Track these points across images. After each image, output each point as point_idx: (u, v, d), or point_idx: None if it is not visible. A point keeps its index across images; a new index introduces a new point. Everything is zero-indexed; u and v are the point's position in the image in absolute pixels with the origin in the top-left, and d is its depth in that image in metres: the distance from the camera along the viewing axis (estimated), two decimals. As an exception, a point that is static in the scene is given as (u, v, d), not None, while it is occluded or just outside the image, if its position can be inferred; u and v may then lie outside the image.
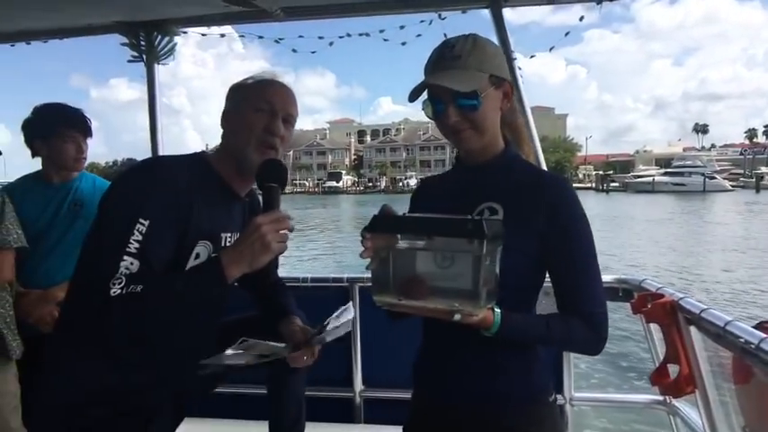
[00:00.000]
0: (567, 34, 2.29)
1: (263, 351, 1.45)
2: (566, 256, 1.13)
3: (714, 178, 60.64)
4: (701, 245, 17.88)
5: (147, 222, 1.21)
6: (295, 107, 1.45)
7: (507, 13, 2.12)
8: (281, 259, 1.58)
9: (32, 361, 1.83)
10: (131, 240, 1.19)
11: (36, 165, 2.18)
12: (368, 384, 2.43)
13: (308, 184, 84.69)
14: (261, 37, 2.35)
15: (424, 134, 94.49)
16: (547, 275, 1.19)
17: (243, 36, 2.36)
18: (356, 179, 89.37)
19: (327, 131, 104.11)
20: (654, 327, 2.00)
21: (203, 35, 2.38)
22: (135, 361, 1.32)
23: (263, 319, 1.63)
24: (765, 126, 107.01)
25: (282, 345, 1.49)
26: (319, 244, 20.41)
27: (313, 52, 2.38)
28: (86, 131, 2.16)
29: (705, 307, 1.58)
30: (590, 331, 1.12)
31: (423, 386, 1.28)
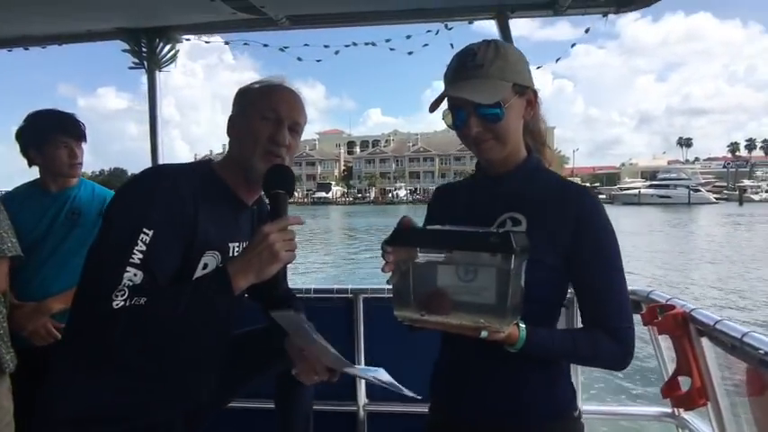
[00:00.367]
0: (573, 46, 2.29)
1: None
2: (592, 270, 1.10)
3: (698, 191, 61.66)
4: (693, 254, 18.08)
5: (151, 232, 1.17)
6: (302, 114, 1.41)
7: (494, 28, 2.12)
8: None
9: (27, 374, 1.77)
10: (135, 251, 1.16)
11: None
12: (372, 398, 2.38)
13: (297, 194, 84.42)
14: (266, 45, 2.33)
15: (413, 145, 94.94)
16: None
17: (247, 44, 2.34)
18: (345, 190, 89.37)
19: (317, 142, 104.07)
20: (662, 338, 1.98)
21: (206, 42, 2.35)
22: (141, 376, 1.28)
23: (274, 332, 1.59)
24: (747, 140, 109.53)
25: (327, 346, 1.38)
26: (314, 256, 20.26)
27: (318, 61, 2.36)
28: (79, 136, 2.11)
29: (719, 318, 1.57)
30: (617, 347, 1.09)
31: (441, 400, 1.25)
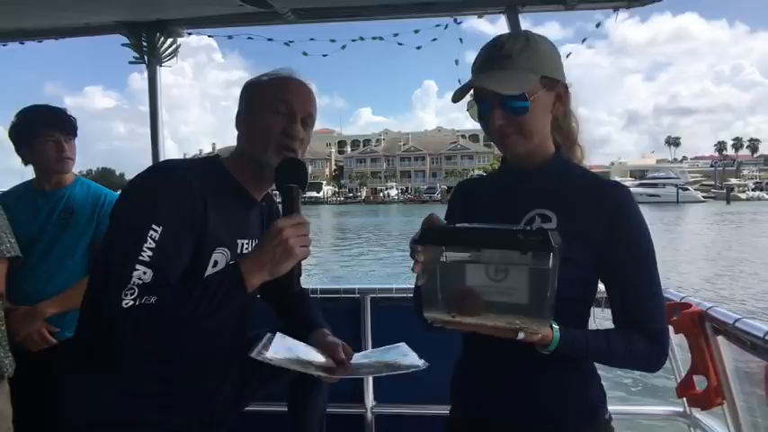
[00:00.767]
0: (584, 41, 2.25)
1: (302, 357, 1.34)
2: (626, 269, 1.07)
3: (687, 189, 62.37)
4: (684, 250, 18.28)
5: (159, 229, 1.13)
6: (314, 106, 1.37)
7: (485, 26, 2.09)
8: None
9: (26, 379, 1.71)
10: (144, 248, 1.11)
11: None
12: (380, 400, 2.34)
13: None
14: (270, 39, 2.28)
15: (404, 145, 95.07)
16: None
17: (251, 38, 2.28)
18: (336, 189, 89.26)
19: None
20: (673, 337, 1.96)
21: (210, 36, 2.30)
22: (154, 378, 1.24)
23: (291, 333, 1.54)
24: (734, 139, 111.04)
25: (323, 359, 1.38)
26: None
27: (324, 55, 2.30)
28: (67, 130, 2.04)
29: (738, 317, 1.55)
30: (651, 348, 1.06)
31: (465, 402, 1.20)
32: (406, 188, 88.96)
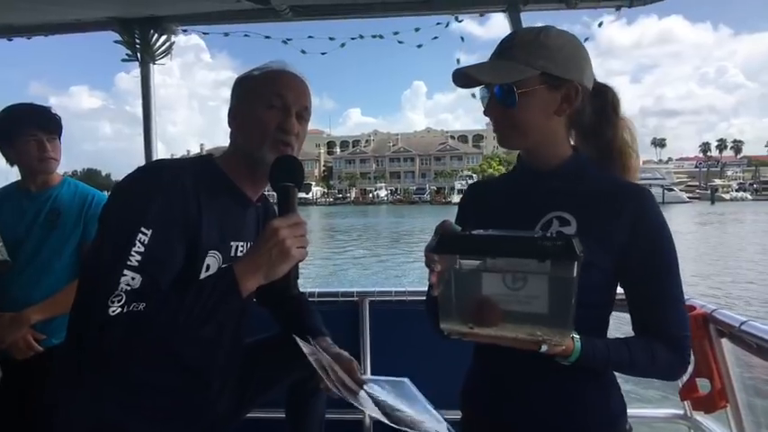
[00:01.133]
0: (585, 40, 2.24)
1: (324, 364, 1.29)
2: (648, 274, 1.03)
3: (672, 190, 63.21)
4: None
5: (149, 232, 1.07)
6: (309, 99, 1.32)
7: (474, 27, 2.08)
8: None
9: (12, 387, 1.66)
10: (132, 252, 1.05)
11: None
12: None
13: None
14: (267, 37, 2.23)
15: (393, 146, 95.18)
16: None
17: (248, 36, 2.23)
18: (326, 190, 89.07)
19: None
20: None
21: (205, 34, 2.24)
22: (147, 390, 1.18)
23: (290, 341, 1.49)
24: (718, 140, 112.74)
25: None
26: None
27: (323, 53, 2.26)
28: (50, 129, 1.97)
29: (744, 319, 1.54)
30: (673, 356, 1.02)
31: (480, 414, 1.15)
32: (396, 189, 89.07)
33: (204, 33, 2.22)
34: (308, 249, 1.15)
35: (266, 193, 1.40)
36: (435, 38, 2.14)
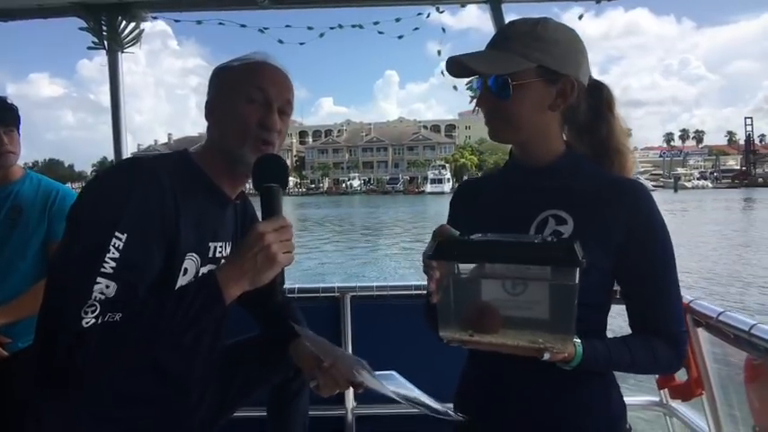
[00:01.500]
0: (580, 17, 2.22)
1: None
2: (645, 271, 1.02)
3: (638, 179, 64.84)
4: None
5: (124, 237, 1.00)
6: (292, 93, 1.25)
7: (446, 18, 2.06)
8: None
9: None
10: (106, 259, 0.98)
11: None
12: (360, 401, 2.29)
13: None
14: (243, 26, 2.14)
15: (366, 135, 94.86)
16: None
17: (222, 24, 2.14)
18: (298, 181, 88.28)
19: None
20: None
21: (176, 21, 2.14)
22: (123, 402, 1.12)
23: (271, 342, 1.45)
24: (681, 131, 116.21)
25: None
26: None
27: (302, 44, 2.19)
28: (6, 121, 1.86)
29: (721, 310, 1.57)
30: (672, 352, 1.02)
31: (477, 418, 1.12)
32: (369, 179, 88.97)
33: (175, 21, 2.12)
34: (294, 254, 1.09)
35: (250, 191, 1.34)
36: (416, 29, 2.10)
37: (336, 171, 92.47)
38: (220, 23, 2.11)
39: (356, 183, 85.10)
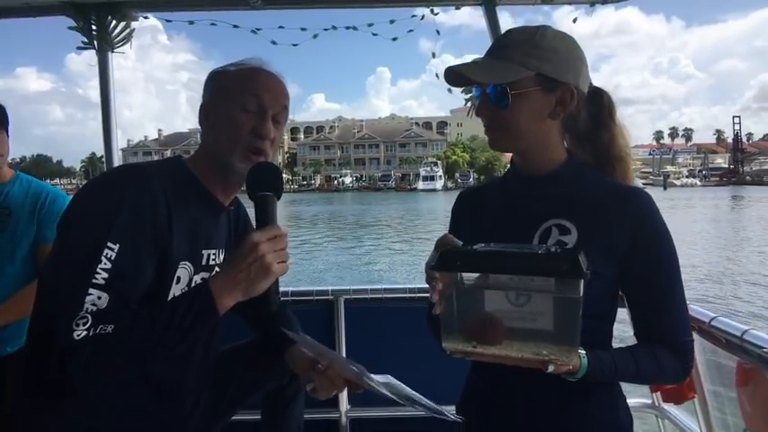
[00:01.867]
0: (574, 21, 2.23)
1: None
2: (650, 279, 1.01)
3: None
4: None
5: (116, 247, 0.99)
6: (287, 100, 1.25)
7: (439, 15, 2.04)
8: None
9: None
10: (98, 269, 0.97)
11: None
12: (354, 404, 2.28)
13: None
14: (236, 26, 2.11)
15: (358, 132, 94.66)
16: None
17: (214, 24, 2.11)
18: (290, 177, 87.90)
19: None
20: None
21: (168, 21, 2.11)
22: (118, 413, 1.10)
23: (266, 348, 1.43)
24: (670, 129, 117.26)
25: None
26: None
27: (295, 45, 2.17)
28: None
29: (714, 315, 1.58)
30: (678, 361, 1.01)
31: (481, 429, 1.11)
32: (361, 176, 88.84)
33: (167, 21, 2.09)
34: (288, 264, 1.08)
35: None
36: (410, 31, 2.09)
37: (328, 168, 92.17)
38: (212, 24, 2.08)
39: (348, 180, 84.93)
